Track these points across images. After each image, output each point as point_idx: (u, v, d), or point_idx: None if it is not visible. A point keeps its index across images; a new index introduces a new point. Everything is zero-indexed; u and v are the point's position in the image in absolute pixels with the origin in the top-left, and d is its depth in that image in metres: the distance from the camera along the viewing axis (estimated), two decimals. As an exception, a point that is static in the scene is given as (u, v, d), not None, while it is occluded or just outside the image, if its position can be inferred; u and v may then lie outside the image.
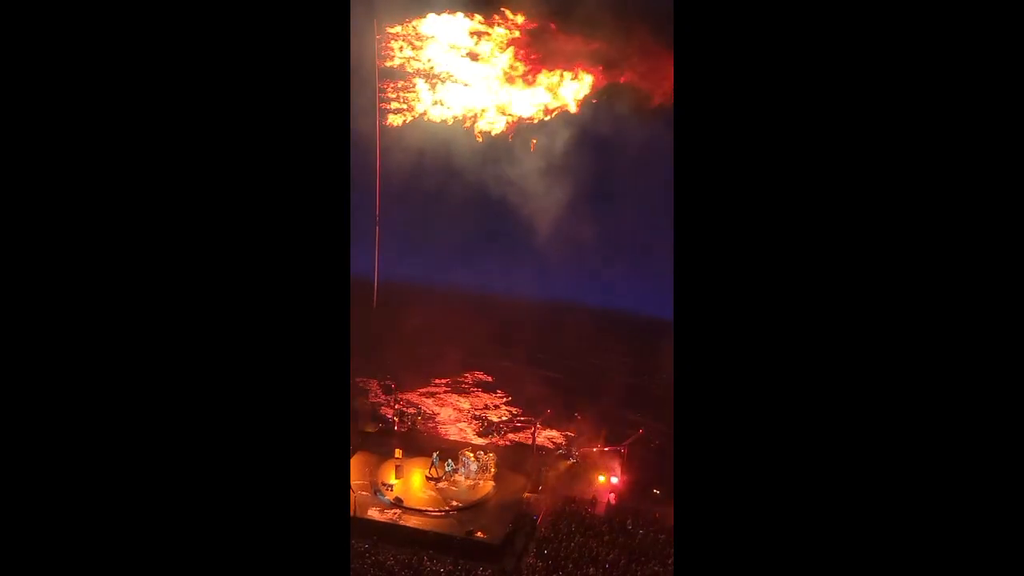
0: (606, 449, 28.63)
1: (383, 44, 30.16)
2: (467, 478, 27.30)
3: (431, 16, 29.83)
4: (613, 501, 26.77)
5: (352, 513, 24.48)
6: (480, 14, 29.84)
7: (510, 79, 30.50)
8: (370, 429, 30.46)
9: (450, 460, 27.57)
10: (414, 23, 29.92)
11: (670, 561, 22.91)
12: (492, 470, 27.66)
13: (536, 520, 25.66)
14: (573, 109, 30.80)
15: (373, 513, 25.48)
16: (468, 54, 30.45)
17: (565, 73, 30.47)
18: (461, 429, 31.71)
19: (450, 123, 30.83)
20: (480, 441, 29.93)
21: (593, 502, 26.69)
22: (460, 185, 32.67)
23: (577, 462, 28.47)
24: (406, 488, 26.92)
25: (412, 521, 25.31)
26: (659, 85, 29.60)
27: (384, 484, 26.90)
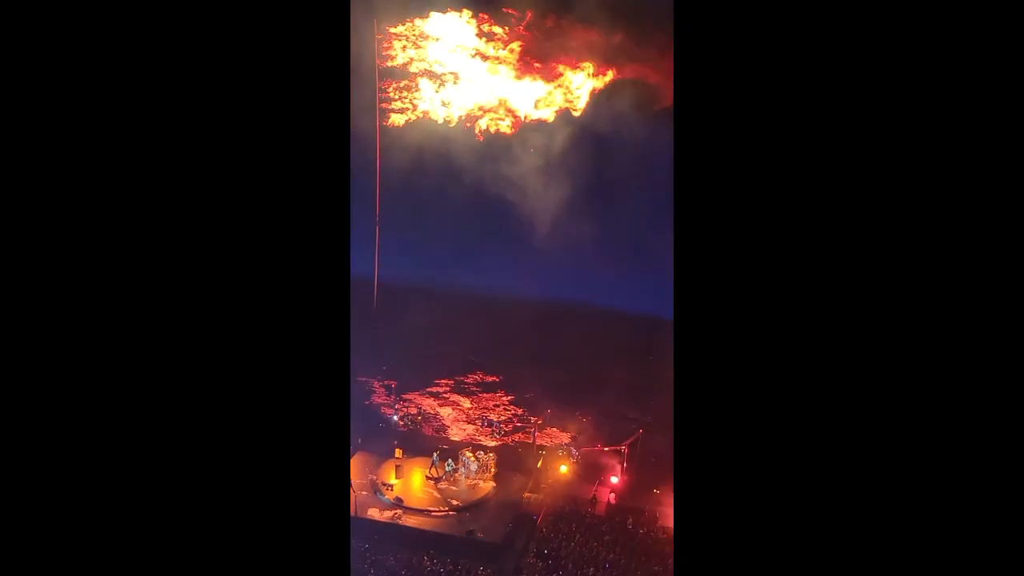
0: (606, 449, 28.64)
1: (384, 43, 30.17)
2: (467, 478, 27.32)
3: (433, 15, 29.84)
4: (613, 501, 26.78)
5: (352, 513, 24.50)
6: (482, 12, 29.85)
7: (512, 77, 30.51)
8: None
9: (450, 460, 27.58)
10: (416, 22, 29.93)
11: (670, 561, 22.91)
12: (492, 470, 27.68)
13: (536, 520, 25.67)
14: (579, 108, 30.82)
15: (373, 513, 25.49)
16: (470, 53, 30.46)
17: (567, 71, 30.48)
18: (465, 429, 31.70)
19: (453, 123, 30.83)
20: (486, 442, 29.91)
21: (593, 502, 26.70)
22: (460, 184, 32.69)
23: (577, 462, 28.46)
24: (406, 488, 26.94)
25: (412, 521, 25.35)
26: (660, 83, 29.61)
27: (384, 484, 26.91)
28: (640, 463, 28.21)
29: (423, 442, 29.77)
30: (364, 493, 26.32)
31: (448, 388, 34.32)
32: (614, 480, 27.72)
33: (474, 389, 34.33)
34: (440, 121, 30.79)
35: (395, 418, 31.27)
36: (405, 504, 25.94)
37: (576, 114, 31.04)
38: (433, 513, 25.75)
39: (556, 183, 31.91)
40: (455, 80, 30.44)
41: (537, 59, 30.27)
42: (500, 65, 30.32)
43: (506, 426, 30.50)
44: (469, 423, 32.11)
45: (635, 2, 29.18)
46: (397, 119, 30.70)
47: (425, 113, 30.73)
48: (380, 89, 30.48)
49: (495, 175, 31.90)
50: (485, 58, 30.25)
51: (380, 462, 28.15)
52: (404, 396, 33.15)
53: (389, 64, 30.32)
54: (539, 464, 28.11)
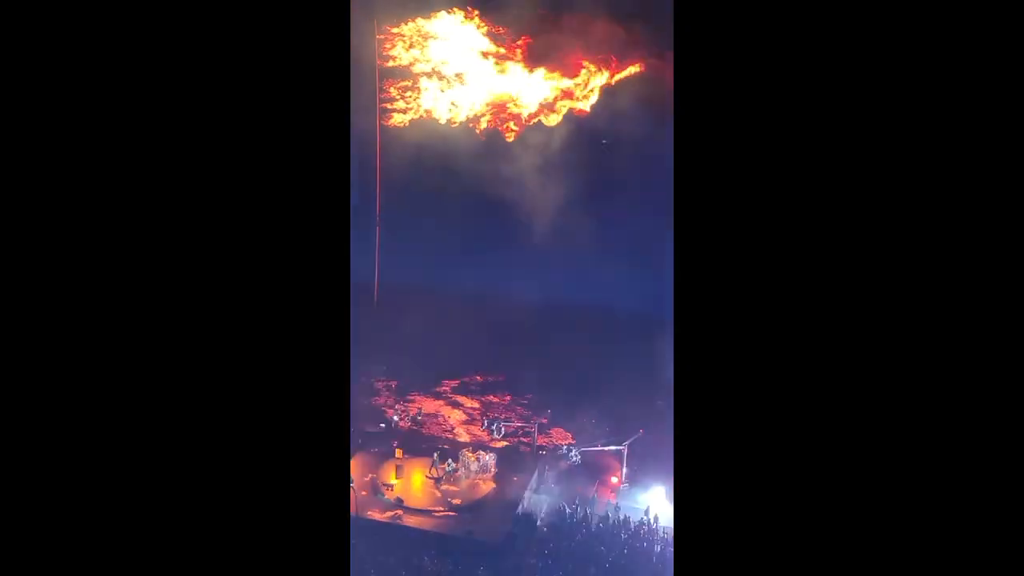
0: (606, 449, 28.63)
1: (385, 43, 30.15)
2: (467, 478, 27.31)
3: (434, 14, 29.81)
4: (613, 501, 26.77)
5: (352, 513, 24.48)
6: (483, 12, 29.83)
7: (514, 76, 30.49)
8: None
9: (450, 460, 27.57)
10: (418, 22, 29.90)
11: (670, 561, 22.89)
12: (492, 470, 27.67)
13: (536, 520, 25.66)
14: (585, 108, 30.81)
15: (373, 513, 25.48)
16: (472, 52, 30.44)
17: (568, 70, 30.46)
18: (465, 428, 31.68)
19: (456, 123, 30.80)
20: (486, 442, 29.89)
21: (593, 502, 26.69)
22: (461, 184, 32.68)
23: (577, 462, 28.44)
24: (406, 488, 26.92)
25: (412, 521, 25.32)
26: (660, 82, 29.60)
27: (384, 484, 26.90)
28: (640, 463, 28.19)
29: (423, 442, 29.76)
30: (364, 493, 26.30)
31: (448, 388, 34.31)
32: (614, 480, 27.71)
33: (474, 389, 34.32)
34: (443, 121, 30.76)
35: (395, 418, 31.26)
36: (405, 504, 25.93)
37: (577, 112, 31.02)
38: (433, 513, 25.74)
39: (556, 182, 31.89)
40: (460, 80, 30.42)
41: (540, 57, 30.25)
42: (502, 64, 30.31)
43: (506, 427, 30.46)
44: (469, 423, 32.10)
45: (633, 1, 29.21)
46: (399, 119, 30.67)
47: (428, 113, 30.70)
48: (381, 89, 30.46)
49: (495, 174, 31.87)
50: (488, 57, 30.24)
51: (380, 462, 28.14)
52: (404, 396, 33.13)
53: (391, 64, 30.30)
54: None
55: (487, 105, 30.81)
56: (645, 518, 25.55)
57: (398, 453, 28.40)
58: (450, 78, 30.55)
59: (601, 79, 30.73)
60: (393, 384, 33.39)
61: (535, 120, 31.10)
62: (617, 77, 30.55)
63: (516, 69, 30.60)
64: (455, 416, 32.58)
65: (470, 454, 27.77)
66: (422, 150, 31.41)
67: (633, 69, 30.34)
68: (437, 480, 27.15)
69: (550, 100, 30.97)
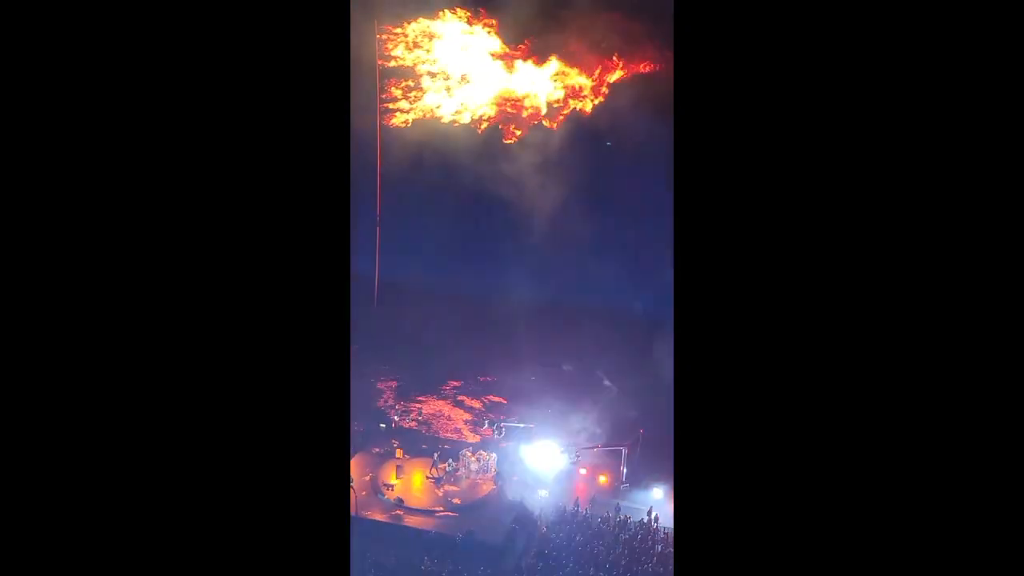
0: (606, 449, 28.64)
1: (386, 43, 30.14)
2: (467, 478, 27.32)
3: (436, 14, 29.81)
4: (615, 500, 26.80)
5: (352, 513, 24.49)
6: (486, 12, 29.83)
7: (516, 75, 30.48)
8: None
9: (451, 460, 27.58)
10: (421, 21, 29.90)
11: (670, 561, 22.91)
12: (492, 470, 27.68)
13: (536, 520, 25.67)
14: (587, 107, 30.82)
15: (373, 513, 25.50)
16: (474, 52, 30.43)
17: (571, 69, 30.47)
18: (465, 429, 31.70)
19: (460, 122, 30.79)
20: (486, 442, 29.90)
21: (593, 502, 26.71)
22: (460, 184, 32.68)
23: (577, 462, 28.45)
24: (407, 488, 26.93)
25: (412, 521, 25.34)
26: (659, 81, 29.61)
27: (384, 484, 26.91)
28: (640, 463, 28.21)
29: (423, 442, 29.78)
30: (364, 493, 26.31)
31: (448, 388, 34.32)
32: (614, 480, 27.78)
33: (474, 389, 34.34)
34: (447, 120, 30.76)
35: (395, 418, 31.28)
36: (406, 504, 25.94)
37: (579, 111, 31.03)
38: (434, 513, 25.75)
39: (555, 182, 31.90)
40: (464, 80, 30.42)
41: (542, 57, 30.25)
42: (504, 63, 30.31)
43: (506, 427, 30.47)
44: (469, 423, 32.11)
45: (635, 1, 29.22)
46: (401, 119, 30.67)
47: (431, 112, 30.69)
48: (383, 89, 30.47)
49: (495, 174, 31.88)
50: (491, 57, 30.23)
51: (380, 462, 28.16)
52: (404, 396, 33.15)
53: (392, 64, 30.29)
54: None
55: (490, 105, 30.81)
56: (645, 518, 25.57)
57: (398, 453, 28.43)
58: (453, 78, 30.56)
59: (603, 79, 30.73)
60: (393, 384, 33.39)
61: (537, 121, 31.12)
62: (619, 76, 30.56)
63: (518, 69, 30.60)
64: (456, 416, 32.60)
65: (470, 454, 27.78)
66: (422, 149, 31.41)
67: (635, 69, 30.34)
68: (437, 480, 27.16)
69: (552, 100, 30.98)
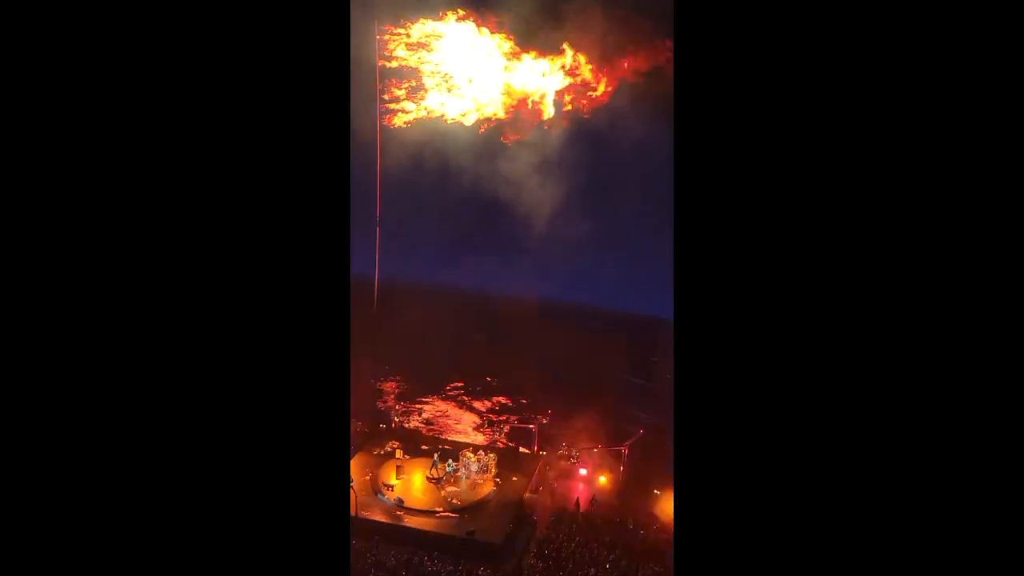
0: (606, 449, 28.64)
1: (386, 43, 30.13)
2: (467, 478, 27.31)
3: (443, 14, 29.79)
4: (613, 501, 26.80)
5: (352, 513, 24.49)
6: (487, 12, 29.81)
7: (517, 75, 30.47)
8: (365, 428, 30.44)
9: (451, 460, 27.58)
10: (420, 22, 29.89)
11: (670, 561, 22.91)
12: (493, 470, 27.68)
13: (536, 520, 25.66)
14: (588, 107, 30.81)
15: (373, 513, 25.49)
16: (476, 52, 30.41)
17: (571, 68, 30.44)
18: (465, 430, 31.71)
19: (461, 122, 30.77)
20: (486, 443, 29.91)
21: (593, 502, 26.71)
22: (460, 184, 32.66)
23: (578, 462, 28.46)
24: (407, 488, 26.93)
25: (413, 521, 25.33)
26: (659, 81, 29.60)
27: (385, 484, 26.90)
28: (640, 463, 28.21)
29: (424, 442, 29.78)
30: (364, 493, 26.31)
31: (448, 389, 34.32)
32: (613, 480, 27.78)
33: (474, 389, 34.34)
34: (449, 121, 30.74)
35: (395, 419, 31.28)
36: (406, 504, 25.94)
37: (586, 111, 31.02)
38: (434, 514, 25.75)
39: (555, 181, 31.90)
40: (465, 80, 30.40)
41: (543, 56, 30.21)
42: (506, 62, 30.30)
43: (506, 427, 30.49)
44: (469, 424, 32.11)
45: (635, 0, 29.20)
46: (402, 119, 30.66)
47: (432, 112, 30.67)
48: (383, 89, 30.45)
49: (495, 174, 31.88)
50: (493, 56, 30.21)
51: (380, 462, 28.15)
52: (404, 396, 33.15)
53: (394, 64, 30.27)
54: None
55: (491, 104, 30.80)
56: (644, 518, 25.57)
57: (398, 453, 28.43)
58: (453, 77, 30.55)
59: (603, 78, 30.72)
60: (393, 384, 33.39)
61: (538, 121, 31.11)
62: (619, 75, 30.55)
63: (518, 68, 30.59)
64: (455, 417, 32.60)
65: (470, 454, 27.78)
66: (423, 149, 31.40)
67: (635, 68, 30.33)
68: (437, 481, 27.16)
69: (552, 99, 30.97)
